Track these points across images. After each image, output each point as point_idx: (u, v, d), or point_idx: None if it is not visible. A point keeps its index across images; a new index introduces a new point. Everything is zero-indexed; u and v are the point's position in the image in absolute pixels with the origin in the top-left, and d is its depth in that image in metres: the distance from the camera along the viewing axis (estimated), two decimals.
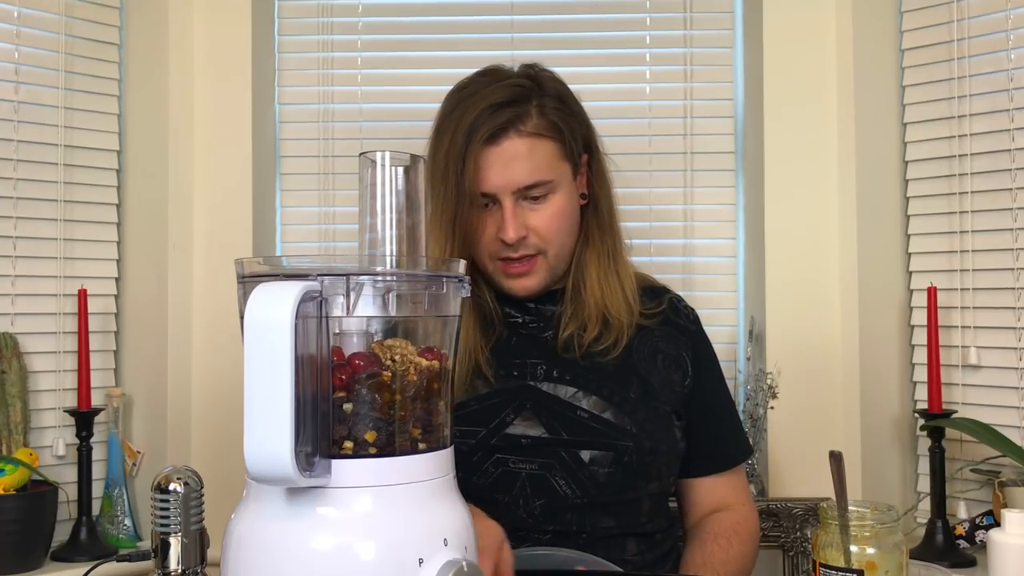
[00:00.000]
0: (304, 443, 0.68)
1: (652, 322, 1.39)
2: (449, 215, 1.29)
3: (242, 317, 0.74)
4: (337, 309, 0.72)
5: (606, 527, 1.28)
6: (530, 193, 1.30)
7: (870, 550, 0.92)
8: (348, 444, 0.71)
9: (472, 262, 1.36)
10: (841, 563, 0.93)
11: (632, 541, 1.31)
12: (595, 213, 1.40)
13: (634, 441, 1.29)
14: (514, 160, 1.29)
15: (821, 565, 0.94)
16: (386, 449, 0.72)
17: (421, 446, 0.74)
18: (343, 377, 0.71)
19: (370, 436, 0.71)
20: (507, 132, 1.29)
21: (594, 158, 1.40)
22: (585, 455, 1.28)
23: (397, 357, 0.73)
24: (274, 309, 0.66)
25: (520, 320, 1.39)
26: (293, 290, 0.67)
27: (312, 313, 0.69)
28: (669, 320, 1.42)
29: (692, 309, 1.48)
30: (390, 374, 0.72)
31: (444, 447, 0.76)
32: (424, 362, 0.75)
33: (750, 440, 1.81)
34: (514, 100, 1.30)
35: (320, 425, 0.69)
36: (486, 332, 1.35)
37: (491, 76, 1.34)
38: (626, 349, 1.35)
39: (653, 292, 1.44)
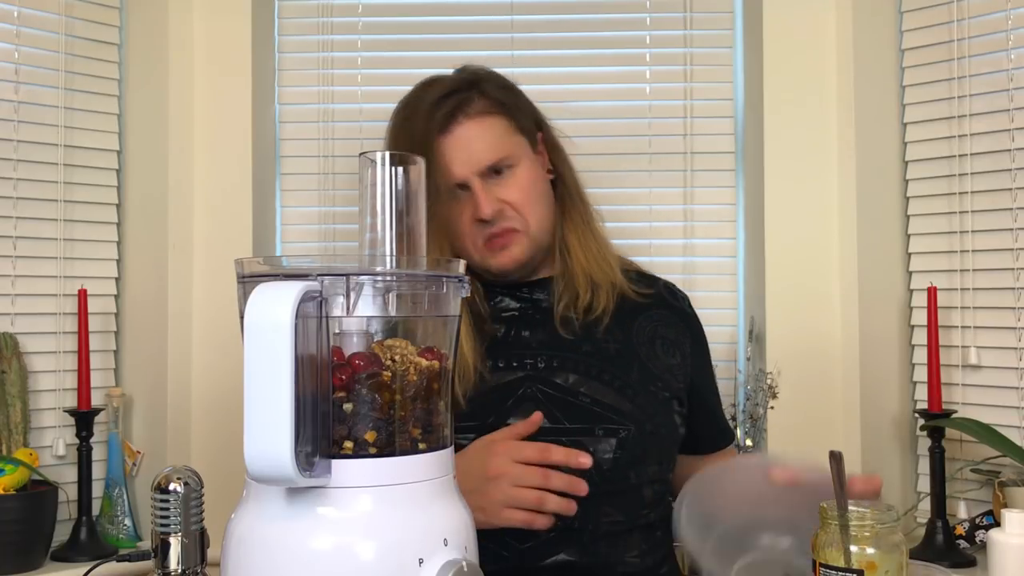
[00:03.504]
0: (304, 443, 0.68)
1: (647, 301, 1.42)
2: (434, 208, 1.31)
3: (242, 317, 0.74)
4: (337, 309, 0.72)
5: (610, 521, 1.28)
6: (495, 169, 1.33)
7: (870, 550, 0.92)
8: (348, 444, 0.71)
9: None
10: (841, 563, 0.93)
11: (636, 538, 1.30)
12: (562, 185, 1.44)
13: (635, 423, 1.30)
14: (470, 143, 1.33)
15: (821, 565, 0.94)
16: (386, 449, 0.72)
17: (421, 446, 0.74)
18: (343, 377, 0.71)
19: (370, 436, 0.71)
20: (456, 118, 1.34)
21: (546, 133, 1.44)
22: (587, 443, 1.28)
23: (397, 357, 0.73)
24: (274, 309, 0.66)
25: (515, 314, 1.39)
26: (293, 290, 0.67)
27: (312, 313, 0.69)
28: (666, 303, 1.45)
29: (686, 295, 1.51)
30: (390, 374, 0.72)
31: (444, 447, 0.76)
32: (424, 362, 0.75)
33: (749, 439, 1.83)
34: (454, 90, 1.36)
35: (320, 425, 0.69)
36: (480, 335, 1.35)
37: (429, 82, 1.41)
38: (626, 333, 1.37)
39: (645, 278, 1.48)
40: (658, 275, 1.52)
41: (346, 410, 0.71)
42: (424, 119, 1.34)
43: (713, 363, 1.54)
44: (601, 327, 1.37)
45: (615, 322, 1.38)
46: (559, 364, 1.33)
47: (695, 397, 1.42)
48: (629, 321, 1.39)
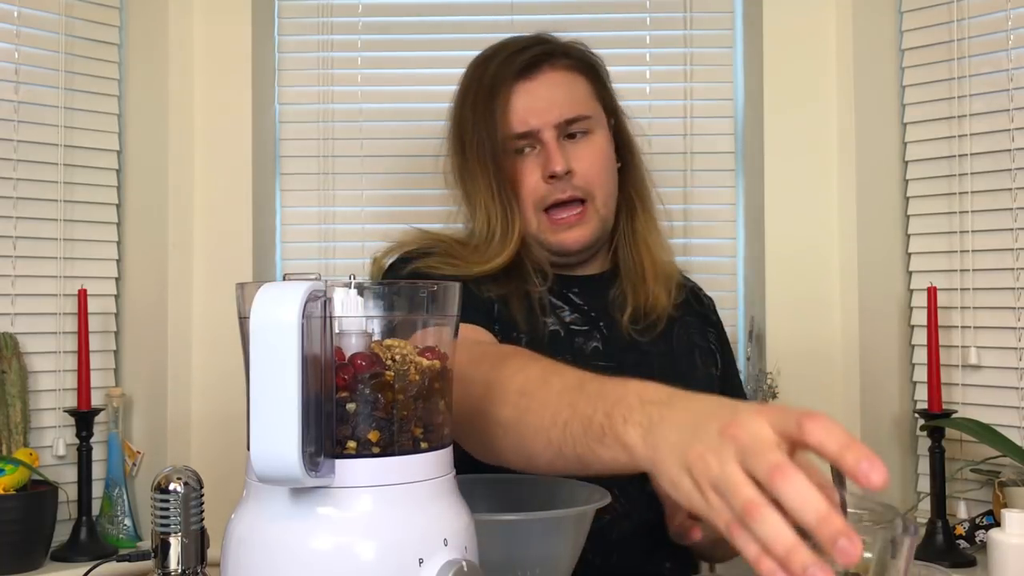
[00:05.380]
0: (308, 443, 0.68)
1: (679, 309, 1.33)
2: (494, 164, 1.24)
3: (241, 317, 0.74)
4: (337, 309, 0.72)
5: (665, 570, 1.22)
6: (570, 129, 1.26)
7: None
8: (351, 444, 0.71)
9: (517, 228, 1.29)
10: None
11: (668, 557, 1.25)
12: (636, 178, 1.36)
13: None
14: (553, 91, 1.25)
15: None
16: (388, 449, 0.72)
17: (423, 445, 0.74)
18: (346, 377, 0.71)
19: (373, 436, 0.71)
20: (541, 66, 1.26)
21: (620, 122, 1.37)
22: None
23: (397, 357, 0.73)
24: (281, 309, 0.66)
25: (568, 317, 1.29)
26: (299, 290, 0.67)
27: (317, 313, 0.69)
28: (694, 309, 1.37)
29: (709, 297, 1.44)
30: (392, 374, 0.72)
31: (444, 446, 0.76)
32: (425, 362, 0.75)
33: None
34: (540, 43, 1.29)
35: (324, 425, 0.69)
36: (533, 323, 1.24)
37: (511, 38, 1.33)
38: (668, 344, 1.29)
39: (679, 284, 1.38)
40: (687, 275, 1.44)
41: (349, 410, 0.71)
42: (503, 63, 1.25)
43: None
44: (653, 334, 1.28)
45: (661, 334, 1.30)
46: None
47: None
48: (668, 330, 1.31)
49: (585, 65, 1.31)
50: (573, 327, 1.28)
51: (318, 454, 0.69)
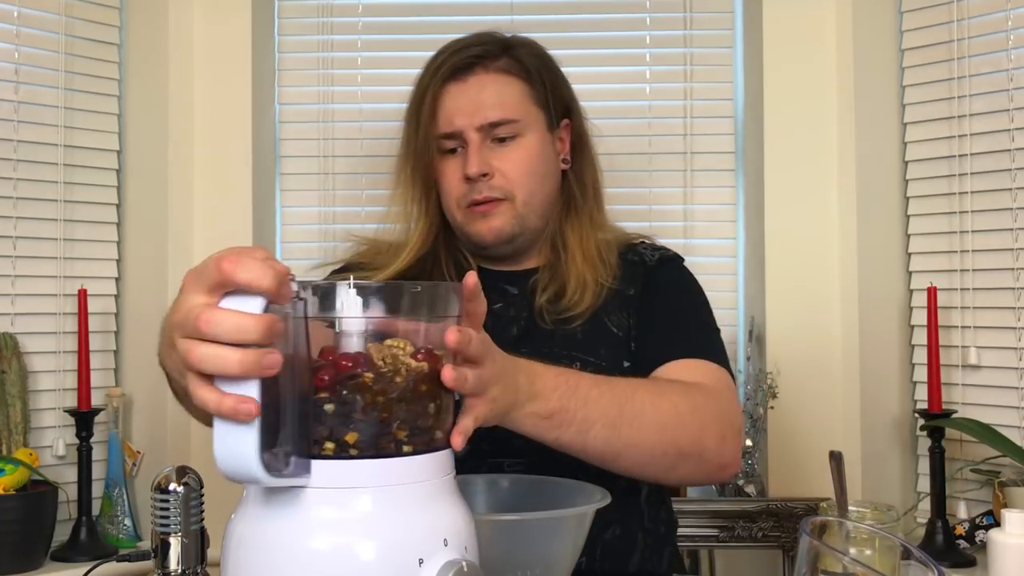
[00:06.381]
0: (284, 442, 0.68)
1: (617, 280, 1.31)
2: (415, 160, 1.28)
3: None
4: (337, 309, 0.72)
5: (612, 529, 1.22)
6: (497, 133, 1.27)
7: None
8: (353, 446, 0.71)
9: (447, 232, 1.33)
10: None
11: (640, 538, 1.24)
12: (577, 181, 1.35)
13: None
14: (481, 93, 1.27)
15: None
16: (386, 450, 0.72)
17: (423, 447, 0.74)
18: (325, 378, 0.71)
19: (352, 438, 0.71)
20: (473, 68, 1.28)
21: (575, 122, 1.36)
22: None
23: (388, 358, 0.73)
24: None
25: (498, 307, 1.30)
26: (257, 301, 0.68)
27: (296, 312, 0.69)
28: (628, 263, 1.34)
29: (662, 249, 1.39)
30: (372, 375, 0.72)
31: (445, 447, 0.76)
32: (413, 363, 0.74)
33: (749, 439, 1.82)
34: (481, 44, 1.31)
35: (300, 425, 0.70)
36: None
37: (462, 37, 1.35)
38: (595, 312, 1.28)
39: (620, 261, 1.35)
40: (644, 239, 1.40)
41: (343, 411, 0.71)
42: (440, 64, 1.28)
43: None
44: (576, 323, 1.27)
45: (587, 323, 1.28)
46: (533, 358, 1.26)
47: (643, 322, 1.27)
48: (595, 321, 1.29)
49: (523, 68, 1.31)
50: (502, 321, 1.28)
51: (294, 454, 0.69)
